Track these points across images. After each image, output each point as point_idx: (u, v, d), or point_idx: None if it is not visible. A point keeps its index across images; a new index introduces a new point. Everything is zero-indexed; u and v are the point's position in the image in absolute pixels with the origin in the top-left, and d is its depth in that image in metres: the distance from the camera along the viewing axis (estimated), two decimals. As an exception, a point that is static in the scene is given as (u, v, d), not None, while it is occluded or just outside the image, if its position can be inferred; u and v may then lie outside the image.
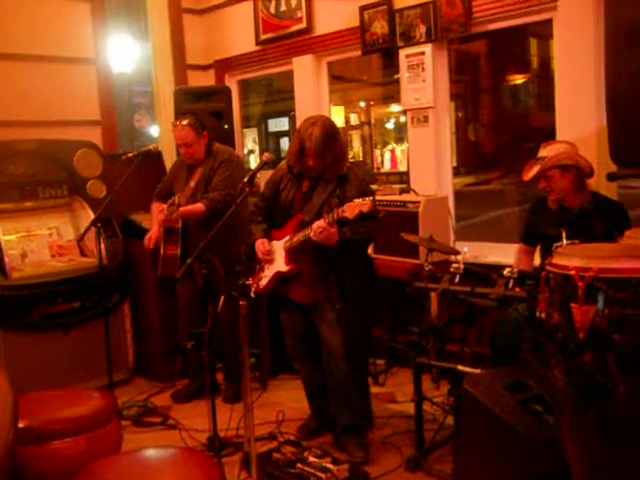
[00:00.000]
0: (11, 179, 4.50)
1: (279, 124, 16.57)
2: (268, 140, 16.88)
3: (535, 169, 3.30)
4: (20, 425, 2.34)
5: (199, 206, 4.05)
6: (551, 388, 2.12)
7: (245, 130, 15.90)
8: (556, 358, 1.96)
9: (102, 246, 4.07)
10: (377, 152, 16.21)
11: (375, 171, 15.60)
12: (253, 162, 13.28)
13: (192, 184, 4.17)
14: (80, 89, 5.24)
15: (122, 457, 2.25)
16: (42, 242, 4.71)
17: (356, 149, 17.33)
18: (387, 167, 15.35)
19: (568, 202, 3.34)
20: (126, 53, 9.46)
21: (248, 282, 2.86)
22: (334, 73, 5.79)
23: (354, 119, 17.24)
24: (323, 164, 3.33)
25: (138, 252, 4.67)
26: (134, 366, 4.83)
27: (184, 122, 4.13)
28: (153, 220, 4.34)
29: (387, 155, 15.87)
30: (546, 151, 3.34)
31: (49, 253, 4.69)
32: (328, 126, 3.34)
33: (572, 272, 1.91)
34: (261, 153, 15.93)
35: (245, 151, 15.82)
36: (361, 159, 16.96)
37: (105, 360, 4.08)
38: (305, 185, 3.47)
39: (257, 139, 16.66)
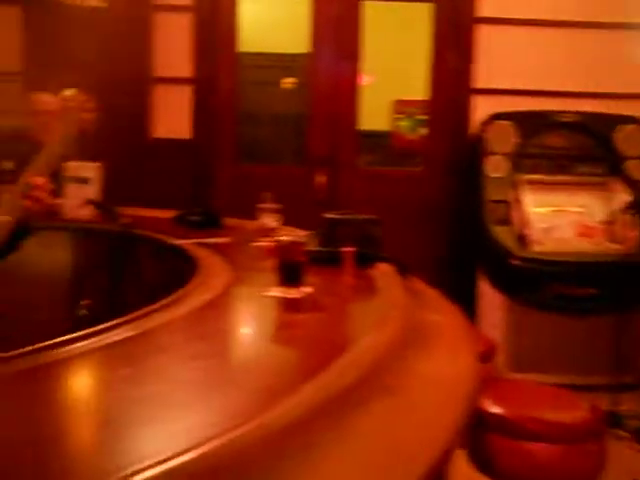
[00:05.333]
0: (545, 151, 4.40)
1: None
2: None
3: None
4: (493, 410, 2.20)
5: None
6: None
7: None
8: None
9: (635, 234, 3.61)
10: None
11: None
12: None
13: None
14: (629, 58, 4.67)
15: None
16: (570, 219, 4.48)
17: None
18: None
19: None
20: None
21: None
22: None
23: None
24: None
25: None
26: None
27: None
28: None
29: None
30: None
31: (574, 232, 4.45)
32: None
33: None
34: None
35: None
36: None
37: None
38: None
39: None
